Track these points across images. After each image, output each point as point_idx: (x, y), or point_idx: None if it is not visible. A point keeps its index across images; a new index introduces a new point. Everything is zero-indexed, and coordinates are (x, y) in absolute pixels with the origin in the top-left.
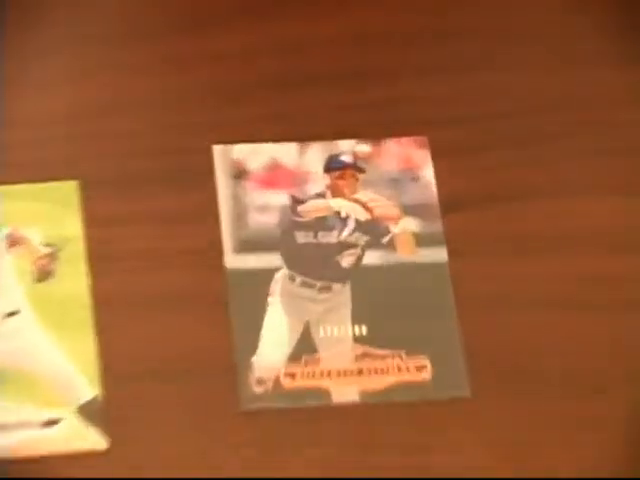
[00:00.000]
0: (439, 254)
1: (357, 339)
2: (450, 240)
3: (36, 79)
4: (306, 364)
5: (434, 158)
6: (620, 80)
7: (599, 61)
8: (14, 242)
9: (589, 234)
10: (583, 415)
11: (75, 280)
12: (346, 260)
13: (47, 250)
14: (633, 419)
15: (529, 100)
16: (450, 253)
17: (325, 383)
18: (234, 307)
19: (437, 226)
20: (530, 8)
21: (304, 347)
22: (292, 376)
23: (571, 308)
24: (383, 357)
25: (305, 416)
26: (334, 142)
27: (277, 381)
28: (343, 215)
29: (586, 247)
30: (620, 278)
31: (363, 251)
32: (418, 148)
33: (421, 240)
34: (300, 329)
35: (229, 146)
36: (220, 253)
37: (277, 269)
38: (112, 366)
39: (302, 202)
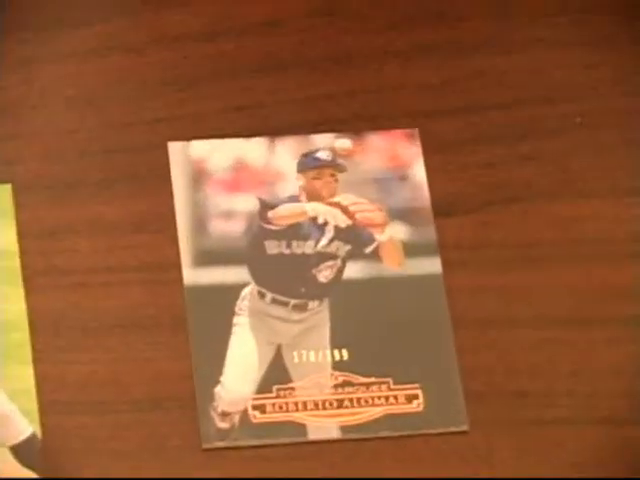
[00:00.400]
0: (432, 265)
1: (337, 365)
2: (444, 249)
3: None
4: (278, 395)
5: (425, 154)
6: (630, 66)
7: (607, 46)
8: None
9: (598, 240)
10: (595, 444)
11: (10, 300)
12: (324, 274)
13: None
14: None
15: (531, 89)
16: (444, 264)
17: (300, 417)
18: (194, 329)
19: (429, 233)
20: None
21: (275, 375)
22: (262, 409)
23: (582, 323)
24: (367, 386)
25: (277, 455)
26: (309, 136)
27: (244, 415)
28: (320, 221)
29: (595, 255)
30: (634, 289)
31: (344, 263)
32: (407, 142)
33: (411, 249)
34: (271, 354)
35: (187, 143)
36: (178, 267)
37: (244, 285)
38: (52, 398)
39: (272, 207)
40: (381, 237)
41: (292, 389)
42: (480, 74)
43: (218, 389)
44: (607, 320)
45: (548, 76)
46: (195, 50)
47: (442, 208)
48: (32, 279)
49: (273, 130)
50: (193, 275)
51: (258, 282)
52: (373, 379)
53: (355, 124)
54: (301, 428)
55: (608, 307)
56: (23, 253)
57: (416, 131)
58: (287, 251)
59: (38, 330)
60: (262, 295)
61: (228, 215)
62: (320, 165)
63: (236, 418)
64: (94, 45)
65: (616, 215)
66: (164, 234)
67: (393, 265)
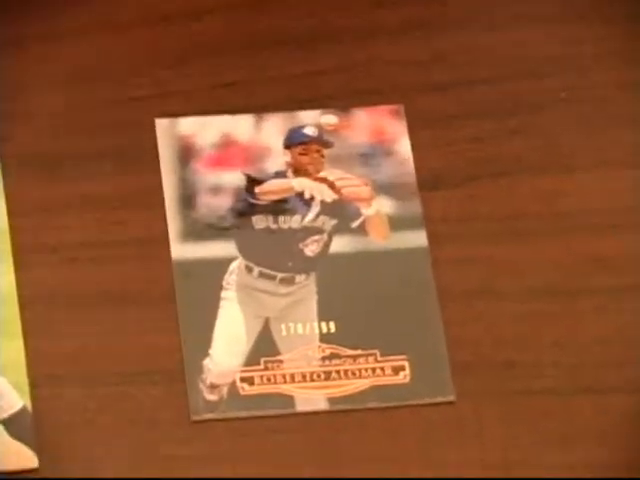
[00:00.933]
0: (418, 238)
1: (324, 338)
2: (430, 222)
3: None
4: (266, 367)
5: (411, 130)
6: (615, 41)
7: (592, 21)
8: None
9: (585, 213)
10: (581, 414)
11: (0, 275)
12: (311, 248)
13: None
14: (634, 419)
15: (517, 64)
16: (430, 237)
17: (288, 389)
18: (182, 303)
19: (415, 207)
20: None
21: (263, 348)
22: (250, 381)
23: (567, 294)
24: (354, 358)
25: (265, 427)
26: (295, 113)
27: (232, 387)
28: (307, 196)
29: (582, 227)
30: (620, 260)
31: (330, 237)
32: (392, 118)
33: (397, 223)
34: (259, 327)
35: (174, 120)
36: (166, 242)
37: (231, 259)
38: (43, 371)
39: (259, 182)
40: (367, 211)
41: (280, 362)
42: (466, 50)
43: (207, 362)
44: (592, 291)
45: (534, 51)
46: (182, 28)
47: (428, 182)
48: (22, 255)
49: (260, 107)
50: (181, 250)
51: (245, 256)
52: (360, 351)
53: (341, 100)
54: (289, 400)
55: (593, 278)
56: (12, 229)
57: (401, 107)
58: (274, 226)
59: (28, 305)
60: (249, 269)
61: (215, 190)
62: (306, 141)
63: (224, 390)
64: (81, 24)
65: (600, 188)
66: (152, 210)
67: (379, 239)
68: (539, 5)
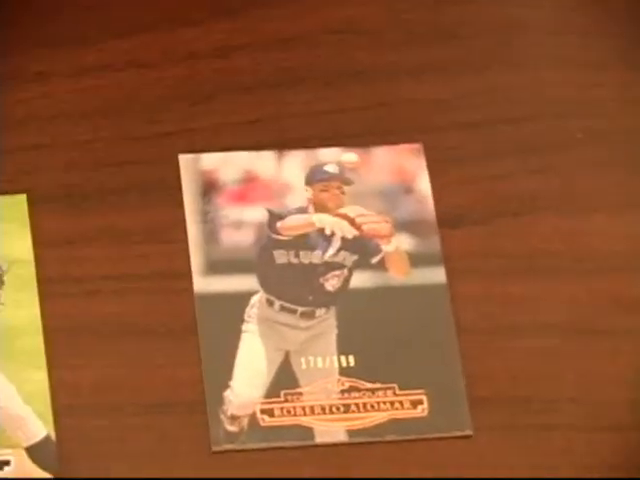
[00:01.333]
0: (437, 275)
1: (344, 371)
2: (449, 259)
3: None
4: (286, 399)
5: (430, 168)
6: (635, 86)
7: (616, 63)
8: None
9: (605, 253)
10: (599, 450)
11: (25, 306)
12: (331, 282)
13: None
14: None
15: (537, 104)
16: (449, 274)
17: (307, 420)
18: (204, 335)
19: (434, 244)
20: (540, 3)
21: (283, 380)
22: (270, 413)
23: (584, 333)
24: (373, 391)
25: (285, 458)
26: (317, 150)
27: (253, 418)
28: (328, 232)
29: (601, 267)
30: (636, 302)
31: (350, 272)
32: (412, 157)
33: (416, 259)
34: (279, 360)
35: (197, 155)
36: (188, 275)
37: (253, 293)
38: (66, 402)
39: (281, 218)
40: (387, 248)
41: (300, 394)
42: (486, 90)
43: (227, 393)
44: (609, 331)
45: (554, 93)
46: (207, 66)
47: (448, 220)
48: (47, 286)
49: (282, 144)
50: (203, 283)
51: (267, 290)
52: (379, 385)
53: (361, 139)
54: (308, 432)
55: (610, 318)
56: (38, 261)
57: (421, 145)
58: (295, 260)
59: (52, 336)
60: (271, 303)
61: (238, 225)
62: (328, 178)
63: (245, 421)
64: (109, 61)
65: (618, 229)
66: (175, 244)
67: (399, 275)
68: (560, 48)
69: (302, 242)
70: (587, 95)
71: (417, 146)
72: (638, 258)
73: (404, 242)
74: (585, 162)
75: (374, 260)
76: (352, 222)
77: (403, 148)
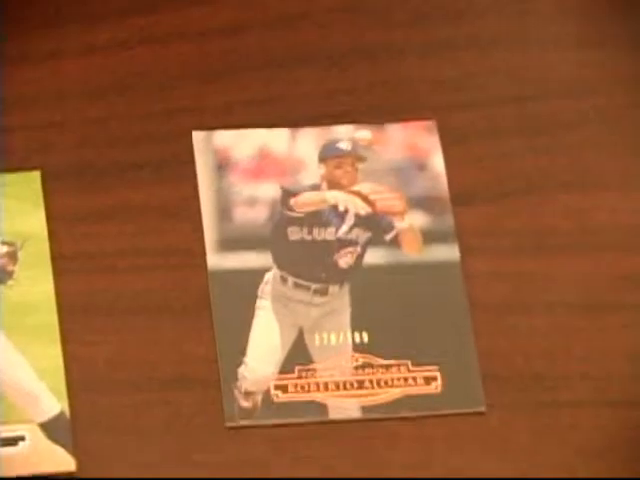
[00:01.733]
0: (450, 252)
1: (357, 347)
2: (462, 236)
3: None
4: (300, 375)
5: (444, 145)
6: None
7: (625, 42)
8: None
9: (613, 229)
10: (608, 426)
11: (39, 282)
12: (344, 259)
13: (6, 249)
14: None
15: (549, 83)
16: (462, 251)
17: (321, 397)
18: (218, 312)
19: (447, 221)
20: None
21: (297, 356)
22: (284, 389)
23: (595, 309)
24: (387, 367)
25: (299, 433)
26: (330, 127)
27: (267, 394)
28: (341, 209)
29: (610, 244)
30: None
31: (364, 249)
32: (425, 134)
33: (429, 236)
34: (293, 336)
35: (211, 132)
36: (202, 252)
37: (267, 269)
38: (80, 377)
39: (295, 194)
40: (401, 225)
41: (314, 370)
42: (496, 69)
43: (242, 369)
44: (619, 306)
45: (564, 72)
46: (218, 44)
47: (460, 197)
48: (61, 262)
49: (295, 121)
50: (217, 260)
51: (280, 267)
52: (392, 361)
53: (375, 116)
54: (322, 408)
55: (620, 294)
56: (52, 237)
57: (434, 123)
58: (309, 237)
59: (66, 312)
60: (284, 280)
61: (251, 202)
62: (341, 154)
63: (259, 397)
64: (120, 38)
65: (627, 206)
66: (189, 220)
67: (412, 252)
68: (569, 27)
69: (315, 219)
70: (596, 74)
71: (430, 123)
72: None
73: (417, 219)
74: (592, 140)
75: (387, 237)
76: (365, 199)
77: (416, 125)
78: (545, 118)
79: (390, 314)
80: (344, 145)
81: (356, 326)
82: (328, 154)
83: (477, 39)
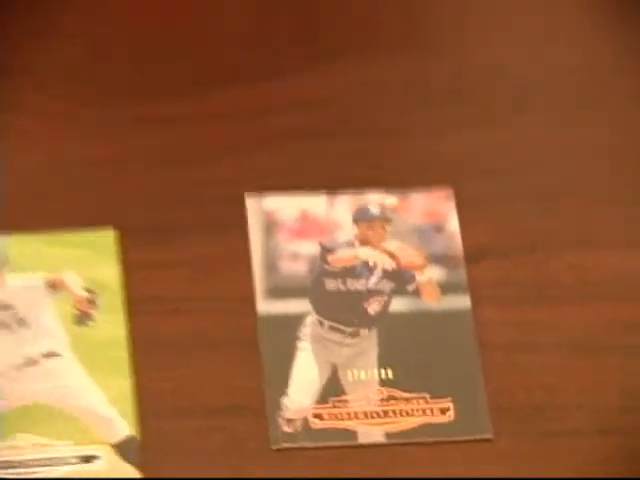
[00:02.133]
0: (463, 301)
1: (383, 382)
2: (473, 288)
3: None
4: (334, 406)
5: (459, 209)
6: None
7: (634, 106)
8: (55, 286)
9: (609, 282)
10: (605, 451)
11: (113, 324)
12: (373, 307)
13: (87, 295)
14: None
15: (559, 151)
16: (473, 300)
17: (352, 424)
18: (265, 351)
19: (461, 275)
20: (562, 50)
21: (332, 389)
22: (320, 417)
23: (592, 351)
24: (408, 400)
25: (332, 455)
26: (362, 195)
27: (306, 422)
28: (371, 264)
29: (608, 294)
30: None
31: (389, 298)
32: (443, 200)
33: (445, 288)
34: (328, 372)
35: (261, 197)
36: (252, 299)
37: (307, 314)
38: (149, 405)
39: (332, 251)
40: (421, 277)
41: (345, 401)
42: (513, 139)
43: (284, 400)
44: (613, 348)
45: (577, 136)
46: (266, 120)
47: (472, 255)
48: (133, 306)
49: (332, 185)
50: (265, 306)
51: (318, 312)
52: (413, 394)
53: (399, 182)
54: (352, 434)
55: (614, 337)
56: (124, 285)
57: (451, 191)
58: (343, 287)
59: (138, 348)
60: (321, 323)
61: (295, 257)
62: (372, 218)
63: (299, 424)
64: (187, 113)
65: (625, 262)
66: (242, 271)
67: (431, 301)
68: (577, 94)
69: (349, 272)
70: (605, 139)
71: (448, 191)
72: (635, 287)
73: (435, 273)
74: (594, 203)
75: (410, 288)
76: (392, 255)
77: (436, 193)
78: (556, 184)
79: (411, 354)
80: (375, 210)
81: (382, 364)
82: (361, 217)
83: (493, 113)
